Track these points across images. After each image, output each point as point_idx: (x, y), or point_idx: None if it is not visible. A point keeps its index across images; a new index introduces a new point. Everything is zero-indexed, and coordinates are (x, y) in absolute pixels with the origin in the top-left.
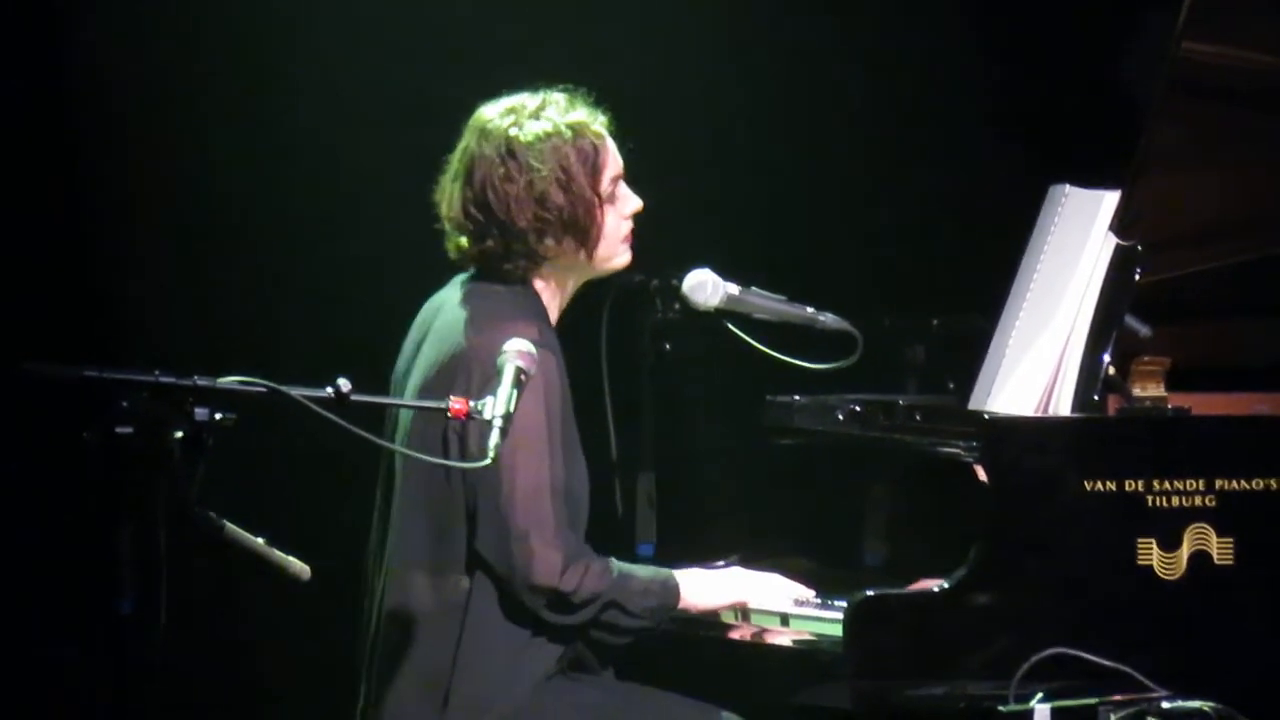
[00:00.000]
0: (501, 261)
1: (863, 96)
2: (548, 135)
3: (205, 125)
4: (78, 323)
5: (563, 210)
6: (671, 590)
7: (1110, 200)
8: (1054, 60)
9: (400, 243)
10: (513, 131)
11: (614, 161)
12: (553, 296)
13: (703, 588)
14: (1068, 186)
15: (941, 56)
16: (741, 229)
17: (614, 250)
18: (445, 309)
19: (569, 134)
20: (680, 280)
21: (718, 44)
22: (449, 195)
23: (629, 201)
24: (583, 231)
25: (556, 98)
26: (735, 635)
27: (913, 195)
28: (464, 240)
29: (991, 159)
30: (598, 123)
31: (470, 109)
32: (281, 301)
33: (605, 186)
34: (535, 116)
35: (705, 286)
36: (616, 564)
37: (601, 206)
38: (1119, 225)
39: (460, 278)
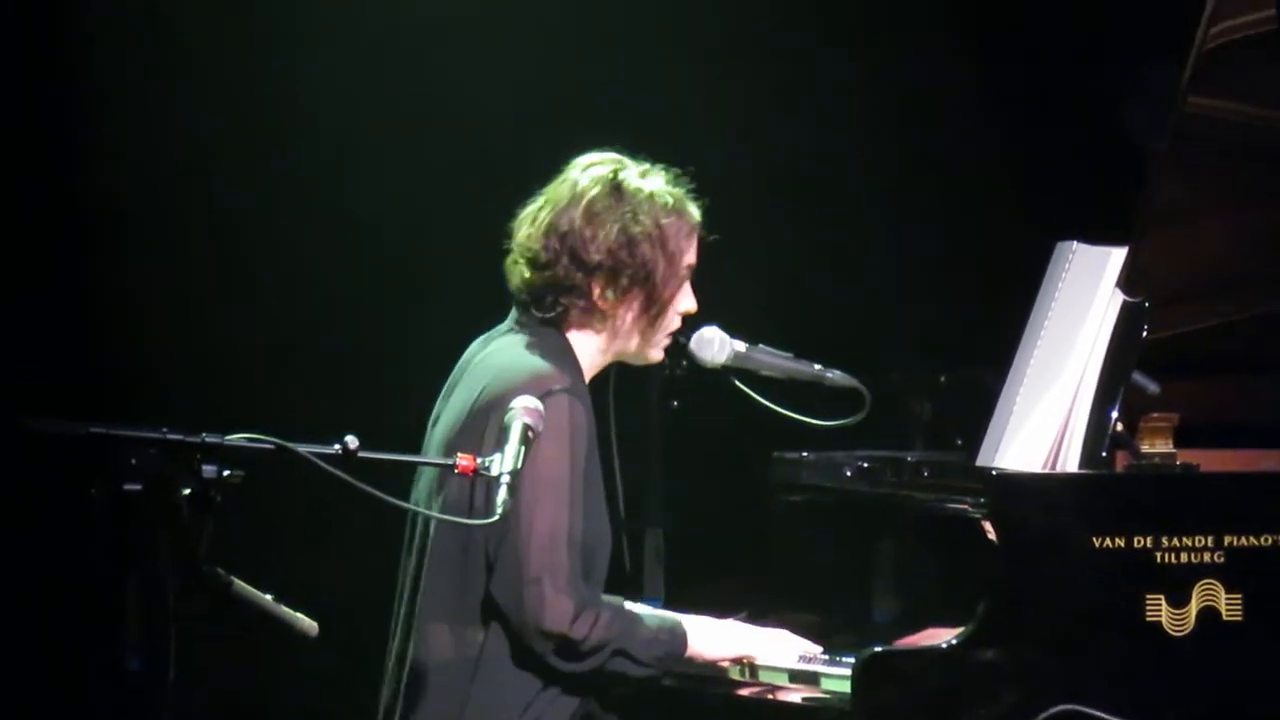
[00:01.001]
0: (557, 294)
1: (871, 154)
2: (654, 194)
3: (217, 176)
4: (85, 379)
5: (645, 265)
6: (679, 639)
7: (1117, 256)
8: (1062, 116)
9: (422, 293)
10: (623, 175)
11: (694, 254)
12: (586, 357)
13: (710, 639)
14: (1075, 243)
15: (951, 114)
16: (749, 287)
17: (661, 337)
18: (478, 360)
19: (672, 203)
20: (688, 338)
21: (727, 103)
22: (533, 220)
23: (687, 299)
24: (653, 294)
25: (660, 170)
26: (743, 692)
27: (920, 252)
28: (528, 270)
29: (999, 216)
30: (695, 211)
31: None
32: (294, 356)
33: (682, 271)
34: (643, 175)
35: (713, 344)
36: (626, 612)
37: (678, 282)
38: (1126, 281)
39: (495, 330)
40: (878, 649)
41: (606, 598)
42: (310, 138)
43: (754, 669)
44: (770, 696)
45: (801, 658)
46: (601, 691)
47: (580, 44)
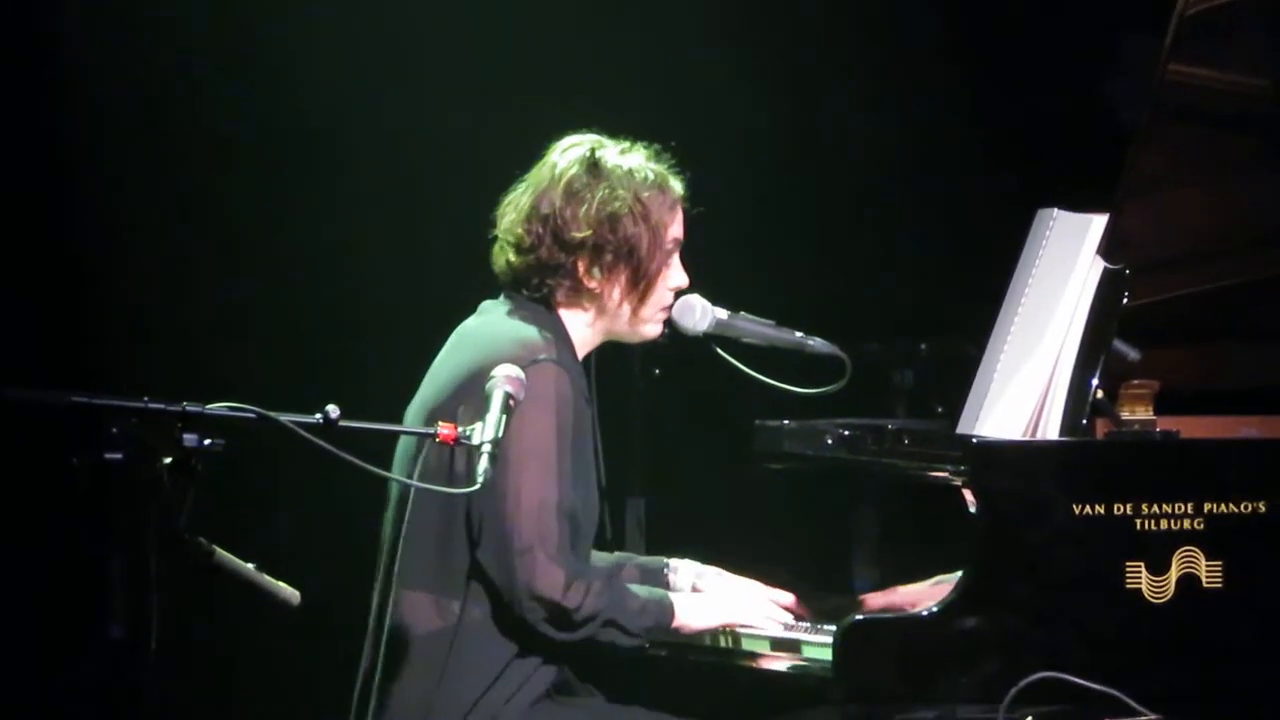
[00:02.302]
0: (543, 275)
1: (851, 125)
2: (633, 170)
3: (200, 147)
4: (67, 348)
5: (628, 240)
6: (667, 610)
7: (1098, 224)
8: (1041, 84)
9: (408, 267)
10: (600, 153)
11: (679, 227)
12: (576, 334)
13: (696, 609)
14: (1056, 210)
15: (929, 83)
16: (730, 255)
17: (654, 314)
18: (467, 332)
19: (653, 177)
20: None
21: (708, 73)
22: (515, 205)
23: (679, 274)
24: (639, 269)
25: (641, 147)
26: (725, 659)
27: (901, 220)
28: (513, 254)
29: (979, 183)
30: (678, 185)
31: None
32: (281, 326)
33: (668, 244)
34: (623, 153)
35: (694, 311)
36: (616, 582)
37: (664, 256)
38: (1107, 248)
39: (486, 304)
40: (859, 617)
41: (599, 555)
42: (296, 108)
43: (736, 637)
44: (752, 664)
45: (784, 625)
46: (582, 660)
47: (558, 20)
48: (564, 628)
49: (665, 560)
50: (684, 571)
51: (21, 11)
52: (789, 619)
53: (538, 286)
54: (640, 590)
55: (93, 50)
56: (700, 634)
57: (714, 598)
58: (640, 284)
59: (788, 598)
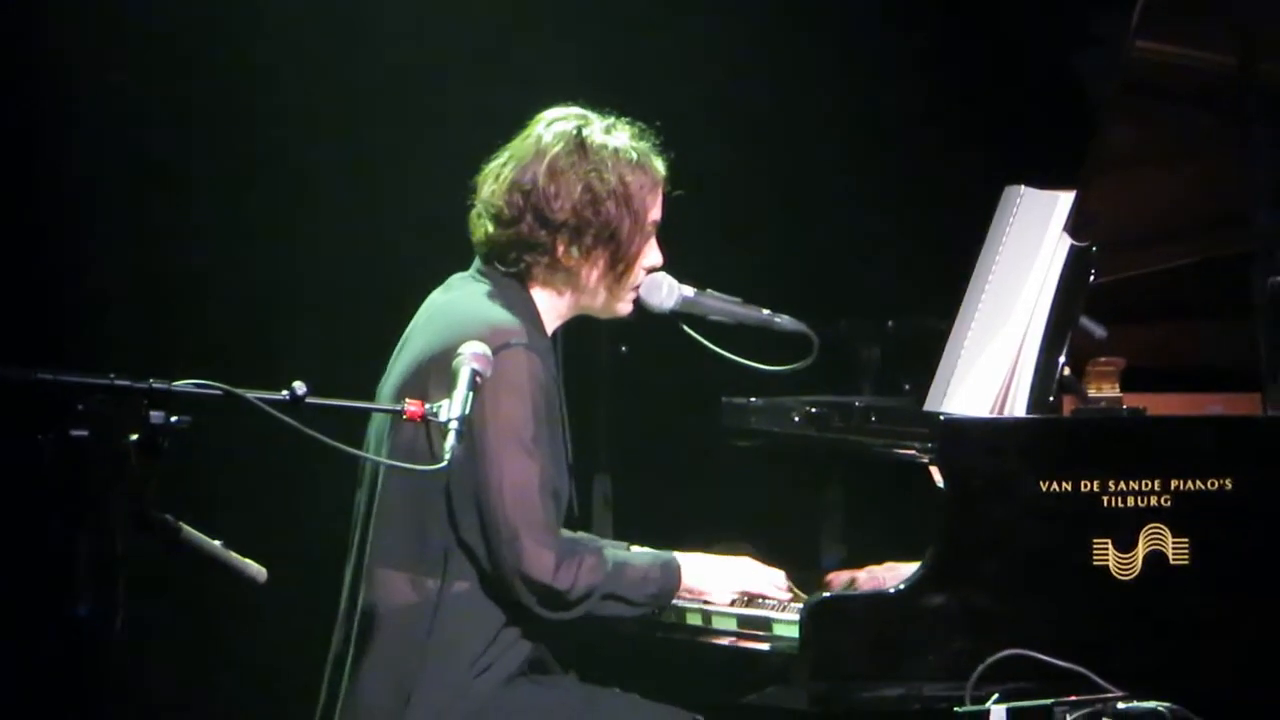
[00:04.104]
0: (520, 252)
1: (819, 102)
2: (619, 150)
3: (165, 123)
4: (33, 325)
5: (610, 223)
6: (673, 573)
7: (1065, 201)
8: (1009, 62)
9: (381, 241)
10: (586, 132)
11: (659, 209)
12: (547, 313)
13: (706, 571)
14: (1023, 188)
15: (896, 60)
16: (697, 233)
17: (627, 292)
18: (435, 308)
19: (637, 158)
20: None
21: (674, 48)
22: (497, 176)
23: (653, 254)
24: (619, 251)
25: (625, 125)
26: (693, 637)
27: (867, 198)
28: (491, 226)
29: (947, 161)
30: (661, 166)
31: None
32: (250, 302)
33: (648, 227)
34: (608, 131)
35: (661, 289)
36: (611, 554)
37: (644, 238)
38: (1074, 226)
39: (457, 276)
40: (826, 595)
41: (583, 536)
42: (264, 82)
43: (706, 615)
44: (721, 642)
45: (785, 604)
46: (557, 639)
47: None
48: (558, 608)
49: (627, 546)
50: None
51: None
52: (790, 594)
53: (515, 261)
54: (641, 557)
55: (60, 29)
56: (712, 596)
57: (723, 561)
58: (619, 266)
59: (780, 575)
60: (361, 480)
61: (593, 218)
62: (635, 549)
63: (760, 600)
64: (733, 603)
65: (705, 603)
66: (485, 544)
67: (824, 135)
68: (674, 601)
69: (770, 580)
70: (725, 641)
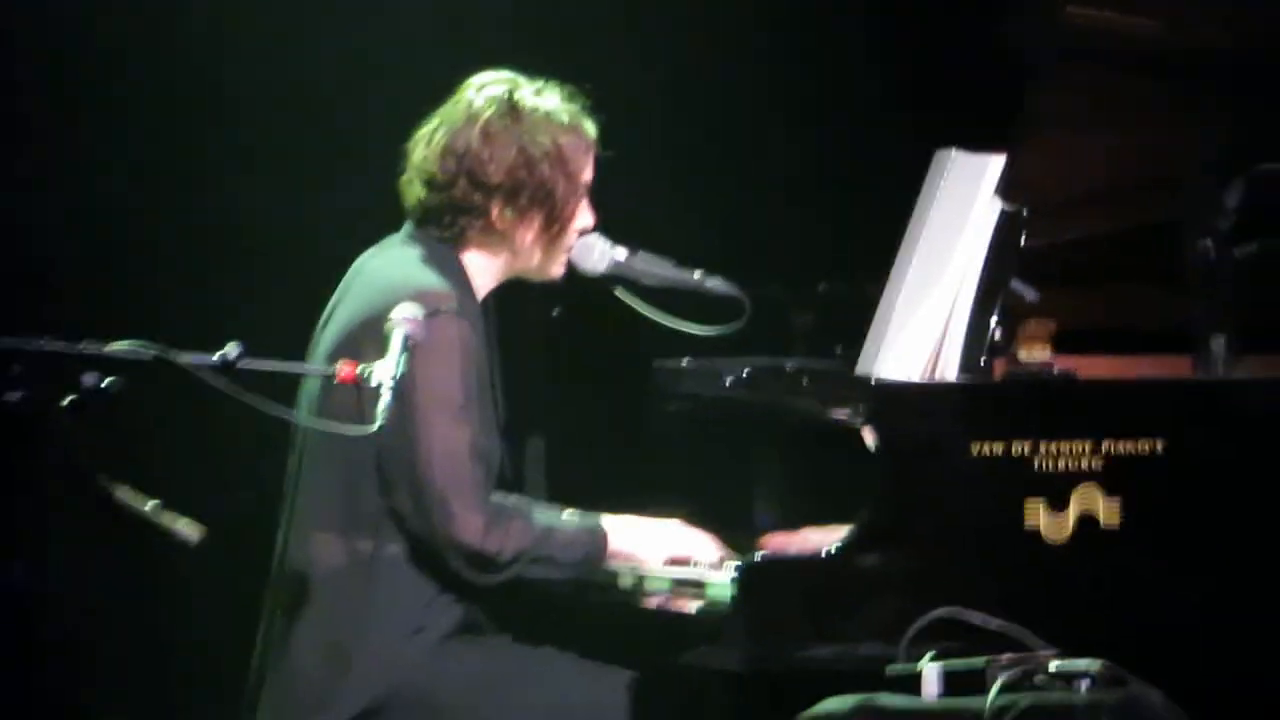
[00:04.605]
0: (454, 215)
1: (752, 67)
2: (550, 113)
3: (109, 85)
4: None
5: (544, 184)
6: (600, 537)
7: (996, 164)
8: (940, 24)
9: (322, 202)
10: (517, 95)
11: (590, 170)
12: (481, 276)
13: (633, 537)
14: (954, 151)
15: (828, 23)
16: (629, 196)
17: (561, 253)
18: (366, 271)
19: (568, 120)
20: None
21: (609, 18)
22: (429, 141)
23: (585, 215)
24: (553, 212)
25: (555, 87)
26: (627, 599)
27: (799, 161)
28: (424, 190)
29: (878, 124)
30: (592, 127)
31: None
32: (185, 261)
33: (581, 188)
34: (538, 94)
35: (593, 252)
36: (539, 517)
37: (577, 199)
38: (1005, 189)
39: (389, 239)
40: (759, 556)
41: (514, 500)
42: (212, 38)
43: (640, 577)
44: (656, 604)
45: (708, 565)
46: (491, 600)
47: None
48: (487, 570)
49: (559, 509)
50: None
51: None
52: (721, 553)
53: (449, 224)
54: (570, 521)
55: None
56: (639, 561)
57: (652, 524)
58: (553, 227)
59: (708, 537)
60: (293, 444)
61: (527, 179)
62: (566, 513)
63: (692, 562)
64: (665, 565)
65: (638, 564)
66: (415, 509)
67: (758, 102)
68: (609, 564)
69: (699, 542)
70: (659, 602)
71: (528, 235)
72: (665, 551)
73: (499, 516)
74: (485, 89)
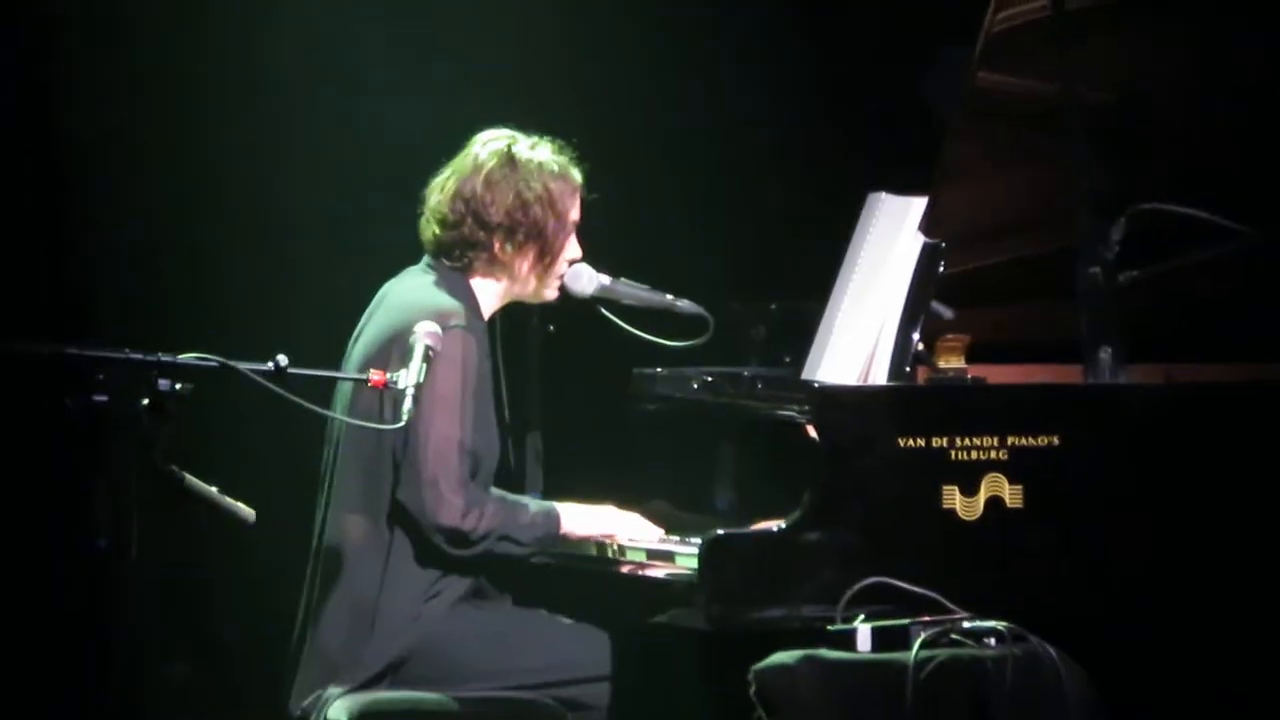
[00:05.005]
0: (463, 249)
1: (722, 120)
2: (541, 164)
3: (170, 103)
4: (52, 302)
5: (537, 223)
6: (554, 519)
7: (918, 205)
8: (869, 87)
9: (360, 238)
10: (515, 149)
11: (577, 210)
12: (486, 299)
13: (579, 520)
14: (883, 194)
15: (792, 89)
16: (611, 231)
17: (553, 280)
18: (391, 294)
19: (557, 169)
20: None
21: (578, 54)
22: (441, 188)
23: (574, 248)
24: (546, 246)
25: (547, 142)
26: (609, 567)
27: (756, 198)
28: (438, 229)
29: (823, 170)
30: (578, 174)
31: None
32: (244, 286)
33: (569, 225)
34: (533, 148)
35: (582, 277)
36: (508, 502)
37: (566, 235)
38: (926, 226)
39: (410, 269)
40: (719, 532)
41: (496, 491)
42: (261, 68)
43: (621, 549)
44: (634, 572)
45: (659, 539)
46: (494, 568)
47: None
48: (462, 546)
49: (527, 499)
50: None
51: None
52: (660, 534)
53: (459, 257)
54: (530, 506)
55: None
56: (585, 539)
57: (596, 509)
58: (545, 258)
59: (659, 531)
60: (328, 439)
61: (522, 219)
62: (529, 500)
63: (616, 540)
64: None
65: (608, 539)
66: (410, 489)
67: (725, 152)
68: (564, 543)
69: (627, 524)
70: (636, 571)
71: (524, 265)
72: (600, 531)
73: (476, 500)
74: (489, 144)
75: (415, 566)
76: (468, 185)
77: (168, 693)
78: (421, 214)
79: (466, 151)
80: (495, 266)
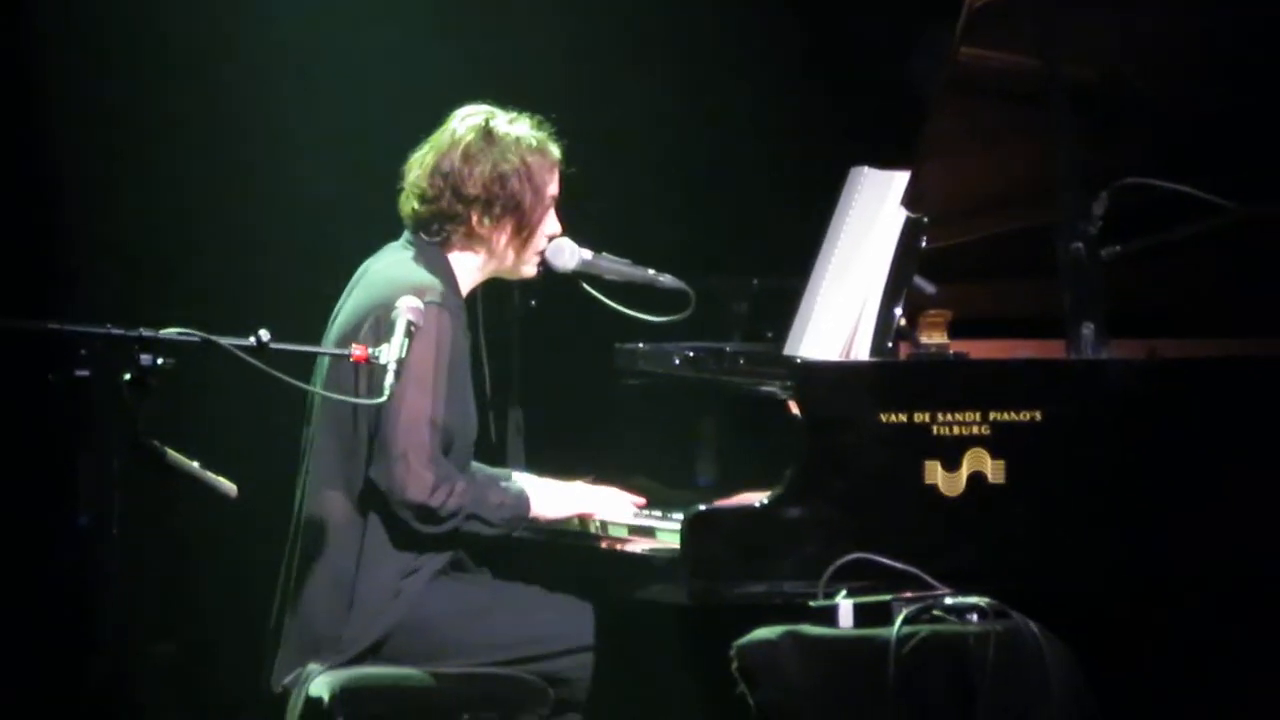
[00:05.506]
0: (441, 223)
1: (701, 94)
2: (519, 138)
3: (155, 86)
4: (27, 278)
5: (514, 196)
6: (524, 502)
7: (901, 180)
8: (858, 65)
9: (345, 214)
10: (493, 123)
11: (556, 185)
12: (465, 274)
13: (551, 501)
14: (865, 168)
15: (778, 67)
16: (593, 206)
17: (532, 255)
18: (370, 271)
19: (535, 144)
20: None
21: (566, 36)
22: (420, 163)
23: (553, 223)
24: (523, 219)
25: (526, 117)
26: (591, 543)
27: (740, 175)
28: (417, 203)
29: (805, 146)
30: (556, 150)
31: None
32: (224, 261)
33: (547, 200)
34: (511, 122)
35: (563, 252)
36: (479, 481)
37: (544, 209)
38: (908, 200)
39: (390, 245)
40: (701, 507)
41: (477, 466)
42: (246, 51)
43: (604, 524)
44: (615, 547)
45: (637, 514)
46: (474, 549)
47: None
48: (430, 522)
49: (508, 472)
50: (520, 481)
51: None
52: (635, 510)
53: (437, 231)
54: (504, 486)
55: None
56: (557, 522)
57: (568, 490)
58: (523, 232)
59: (639, 500)
60: (308, 415)
61: (499, 192)
62: (501, 480)
63: (596, 518)
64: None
65: (586, 517)
66: (380, 462)
67: (707, 127)
68: (531, 525)
69: (601, 501)
70: (618, 546)
71: (502, 239)
72: (575, 510)
73: (447, 476)
74: (467, 119)
75: (392, 539)
76: (446, 159)
77: (152, 671)
78: (401, 189)
79: (445, 127)
80: (473, 240)
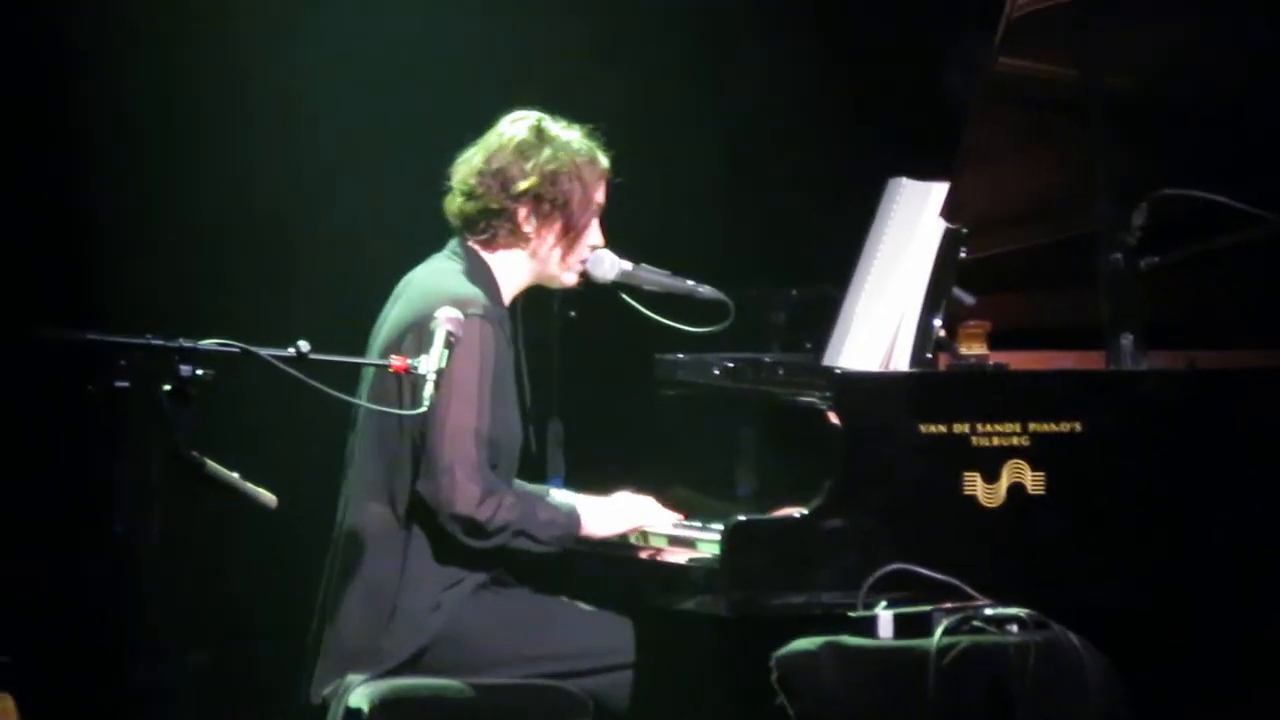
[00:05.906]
0: (487, 220)
1: (739, 105)
2: (570, 142)
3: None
4: (78, 289)
5: (564, 195)
6: (574, 520)
7: (939, 191)
8: (893, 72)
9: (382, 224)
10: (545, 124)
11: (602, 194)
12: (508, 278)
13: (601, 519)
14: (904, 179)
15: (818, 76)
16: (636, 217)
17: (575, 264)
18: (414, 282)
19: (586, 151)
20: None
21: (599, 41)
22: (468, 162)
23: (596, 233)
24: (570, 221)
25: (577, 126)
26: (631, 554)
27: (779, 186)
28: (463, 201)
29: (844, 157)
30: (605, 160)
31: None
32: (266, 272)
33: (594, 206)
34: (565, 128)
35: (604, 263)
36: (528, 496)
37: (590, 215)
38: (946, 212)
39: (435, 255)
40: (741, 518)
41: (519, 484)
42: (279, 58)
43: (644, 534)
44: (655, 557)
45: (677, 525)
46: (508, 563)
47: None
48: (477, 536)
49: (546, 489)
50: (563, 498)
51: None
52: (676, 518)
53: (483, 229)
54: (552, 503)
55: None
56: (608, 538)
57: (616, 506)
58: (570, 234)
59: (676, 516)
60: (352, 426)
61: (550, 189)
62: (550, 495)
63: (641, 529)
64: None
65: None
66: (427, 476)
67: (746, 137)
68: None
69: (648, 512)
70: (658, 557)
71: (548, 238)
72: (626, 526)
73: (495, 489)
74: (517, 121)
75: (434, 553)
76: (496, 157)
77: (188, 681)
78: (448, 191)
79: (494, 129)
80: (518, 239)
